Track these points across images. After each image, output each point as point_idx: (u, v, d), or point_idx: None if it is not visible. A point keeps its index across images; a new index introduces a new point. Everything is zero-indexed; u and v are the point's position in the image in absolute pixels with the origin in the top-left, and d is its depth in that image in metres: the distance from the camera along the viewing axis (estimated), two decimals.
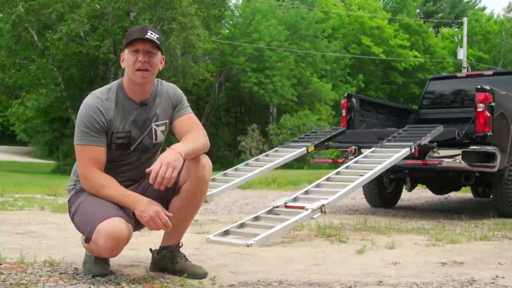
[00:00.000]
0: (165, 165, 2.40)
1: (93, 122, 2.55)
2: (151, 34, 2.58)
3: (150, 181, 2.42)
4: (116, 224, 2.41)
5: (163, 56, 2.69)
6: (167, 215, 2.49)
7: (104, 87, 2.69)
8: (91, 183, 2.55)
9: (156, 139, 2.72)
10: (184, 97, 2.79)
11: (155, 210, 2.47)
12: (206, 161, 2.65)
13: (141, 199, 2.52)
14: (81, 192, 2.64)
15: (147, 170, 2.44)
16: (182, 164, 2.47)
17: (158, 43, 2.59)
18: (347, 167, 5.27)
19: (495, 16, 42.09)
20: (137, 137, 2.66)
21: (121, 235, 2.41)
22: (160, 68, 2.67)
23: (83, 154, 2.56)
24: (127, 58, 2.60)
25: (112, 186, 2.54)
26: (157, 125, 2.70)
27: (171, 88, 2.76)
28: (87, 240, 2.46)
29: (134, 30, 2.64)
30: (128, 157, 2.68)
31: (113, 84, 2.69)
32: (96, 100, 2.59)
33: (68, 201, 2.74)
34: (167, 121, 2.73)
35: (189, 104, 2.80)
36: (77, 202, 2.61)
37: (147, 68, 2.57)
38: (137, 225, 2.63)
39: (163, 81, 2.78)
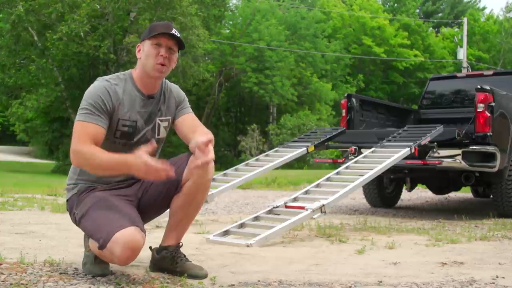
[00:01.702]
0: (211, 144, 2.47)
1: (99, 102, 2.54)
2: (175, 31, 2.63)
3: (197, 148, 2.43)
4: (132, 234, 2.39)
5: (177, 56, 2.73)
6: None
7: (114, 74, 2.73)
8: (82, 155, 2.46)
9: (158, 134, 2.75)
10: (186, 98, 2.86)
11: (144, 162, 2.38)
12: None
13: (130, 161, 2.42)
14: (85, 194, 2.62)
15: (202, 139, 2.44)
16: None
17: (181, 39, 2.65)
18: (347, 167, 5.27)
19: (494, 15, 42.16)
20: (141, 128, 2.68)
21: (138, 245, 2.41)
22: (173, 67, 2.71)
23: (81, 130, 2.50)
24: (147, 49, 2.62)
25: (104, 154, 2.45)
26: (161, 120, 2.74)
27: (175, 88, 2.84)
28: (101, 247, 2.43)
29: (159, 24, 2.66)
30: (130, 150, 2.67)
31: (124, 72, 2.73)
32: (106, 83, 2.61)
33: (68, 200, 2.73)
34: (170, 118, 2.77)
35: (190, 105, 2.86)
36: (83, 205, 2.59)
37: (166, 63, 2.62)
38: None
39: (167, 80, 2.83)
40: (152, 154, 2.76)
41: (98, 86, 2.60)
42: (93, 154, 2.45)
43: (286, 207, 4.50)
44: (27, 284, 2.41)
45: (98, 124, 2.53)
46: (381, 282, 2.76)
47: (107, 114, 2.56)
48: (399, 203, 7.80)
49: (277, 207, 4.51)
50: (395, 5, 40.74)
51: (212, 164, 2.68)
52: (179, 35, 2.64)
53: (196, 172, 2.60)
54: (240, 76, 27.85)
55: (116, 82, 2.64)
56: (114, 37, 19.22)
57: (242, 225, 4.36)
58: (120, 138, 2.64)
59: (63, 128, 24.20)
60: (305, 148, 5.93)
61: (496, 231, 4.74)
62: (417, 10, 42.81)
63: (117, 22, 19.51)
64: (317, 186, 4.93)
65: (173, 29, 2.63)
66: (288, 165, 10.19)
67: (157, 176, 2.40)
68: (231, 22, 31.00)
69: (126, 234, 2.39)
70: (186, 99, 2.85)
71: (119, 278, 2.61)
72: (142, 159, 2.38)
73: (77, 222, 2.64)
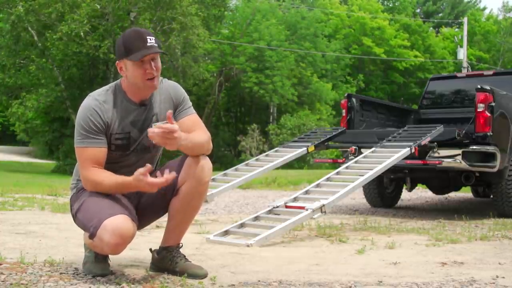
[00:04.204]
0: (164, 131, 2.39)
1: (91, 124, 2.53)
2: (150, 39, 2.53)
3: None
4: (122, 221, 2.41)
5: None
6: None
7: (102, 88, 2.67)
8: (92, 183, 2.54)
9: None
10: (187, 97, 2.74)
11: (146, 182, 2.42)
12: (205, 161, 2.64)
13: (134, 183, 2.46)
14: (83, 190, 2.63)
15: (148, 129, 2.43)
16: (180, 142, 2.44)
17: (159, 45, 2.56)
18: (347, 167, 5.27)
19: (494, 15, 42.20)
20: (136, 137, 2.65)
21: (127, 232, 2.41)
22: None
23: (82, 156, 2.55)
24: (132, 70, 2.55)
25: (110, 177, 2.52)
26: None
27: (172, 88, 2.72)
28: (92, 236, 2.45)
29: (133, 39, 2.55)
30: (128, 158, 2.67)
31: (111, 85, 2.67)
32: (94, 102, 2.57)
33: (70, 199, 2.74)
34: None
35: (191, 104, 2.76)
36: (79, 200, 2.61)
37: (156, 75, 2.56)
38: (139, 224, 2.65)
39: (164, 79, 2.74)
40: (151, 162, 2.75)
41: (87, 107, 2.56)
42: (100, 181, 2.52)
43: (286, 207, 4.50)
44: (27, 284, 2.41)
45: (96, 146, 2.54)
46: (381, 282, 2.76)
47: (102, 133, 2.56)
48: (399, 203, 7.80)
49: (277, 207, 4.51)
50: (396, 3, 40.73)
51: (210, 166, 2.67)
52: (154, 39, 2.54)
53: (193, 175, 2.60)
54: (240, 76, 27.84)
55: (105, 98, 2.59)
56: (114, 37, 19.19)
57: (242, 225, 4.36)
58: (116, 150, 2.62)
59: (63, 128, 24.20)
60: (305, 148, 5.93)
61: (496, 231, 4.74)
62: (418, 10, 42.83)
63: (117, 22, 19.50)
64: (317, 186, 4.93)
65: (147, 37, 2.52)
66: (288, 165, 10.19)
67: (162, 185, 2.47)
68: (231, 22, 30.99)
69: (115, 221, 2.40)
70: (186, 98, 2.73)
71: (119, 278, 2.61)
72: (144, 181, 2.42)
73: (74, 217, 2.65)
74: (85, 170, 2.55)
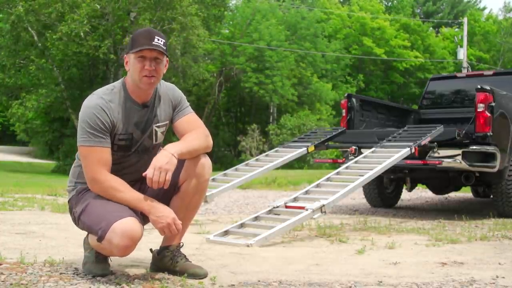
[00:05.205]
0: (157, 170, 2.44)
1: (98, 123, 2.52)
2: (158, 40, 2.55)
3: (148, 185, 2.48)
4: (131, 223, 2.42)
5: (167, 58, 2.67)
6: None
7: (106, 87, 2.66)
8: (102, 186, 2.53)
9: (156, 140, 2.72)
10: (184, 97, 2.77)
11: (173, 217, 2.50)
12: (205, 160, 2.66)
13: (156, 204, 2.53)
14: (84, 192, 2.62)
15: (143, 174, 2.49)
16: (175, 165, 2.49)
17: (165, 48, 2.58)
18: (347, 167, 5.27)
19: (493, 15, 42.19)
20: (138, 138, 2.66)
21: (136, 234, 2.42)
22: (165, 72, 2.66)
23: (90, 155, 2.52)
24: (132, 63, 2.57)
25: (125, 190, 2.53)
26: (158, 127, 2.70)
27: (171, 89, 2.76)
28: (100, 239, 2.44)
29: (140, 34, 2.59)
30: (129, 159, 2.67)
31: (116, 84, 2.66)
32: (100, 100, 2.56)
33: (69, 201, 2.73)
34: (167, 122, 2.73)
35: (189, 104, 2.79)
36: (82, 202, 2.59)
37: (153, 75, 2.56)
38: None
39: (162, 81, 2.76)
40: (150, 158, 2.75)
41: (93, 105, 2.54)
42: (112, 188, 2.52)
43: (286, 207, 4.50)
44: (27, 284, 2.41)
45: (104, 146, 2.53)
46: (381, 282, 2.76)
47: (108, 132, 2.55)
48: (399, 203, 7.80)
49: (277, 207, 4.51)
50: (394, 2, 40.73)
51: (210, 164, 2.69)
52: (162, 42, 2.56)
53: (193, 174, 2.62)
54: (240, 76, 27.83)
55: (110, 97, 2.58)
56: (114, 37, 19.22)
57: (242, 225, 4.36)
58: (118, 151, 2.62)
59: (63, 128, 24.22)
60: (305, 148, 5.93)
61: (496, 231, 4.74)
62: (418, 10, 42.82)
63: (117, 22, 19.50)
64: (317, 186, 4.93)
65: (155, 37, 2.55)
66: (288, 165, 10.20)
67: (167, 232, 2.54)
68: (231, 22, 30.97)
69: (125, 223, 2.41)
70: (183, 99, 2.76)
71: (119, 278, 2.61)
72: (172, 214, 2.52)
73: (77, 220, 2.64)
74: (96, 172, 2.52)
